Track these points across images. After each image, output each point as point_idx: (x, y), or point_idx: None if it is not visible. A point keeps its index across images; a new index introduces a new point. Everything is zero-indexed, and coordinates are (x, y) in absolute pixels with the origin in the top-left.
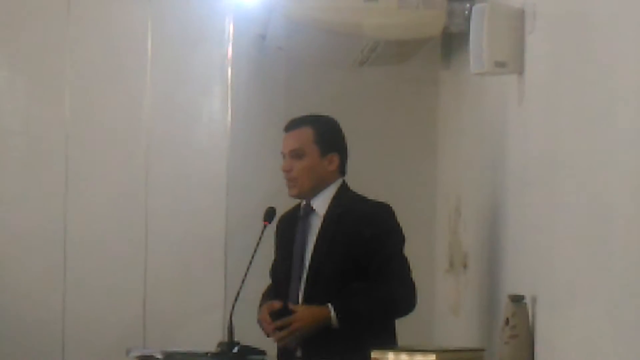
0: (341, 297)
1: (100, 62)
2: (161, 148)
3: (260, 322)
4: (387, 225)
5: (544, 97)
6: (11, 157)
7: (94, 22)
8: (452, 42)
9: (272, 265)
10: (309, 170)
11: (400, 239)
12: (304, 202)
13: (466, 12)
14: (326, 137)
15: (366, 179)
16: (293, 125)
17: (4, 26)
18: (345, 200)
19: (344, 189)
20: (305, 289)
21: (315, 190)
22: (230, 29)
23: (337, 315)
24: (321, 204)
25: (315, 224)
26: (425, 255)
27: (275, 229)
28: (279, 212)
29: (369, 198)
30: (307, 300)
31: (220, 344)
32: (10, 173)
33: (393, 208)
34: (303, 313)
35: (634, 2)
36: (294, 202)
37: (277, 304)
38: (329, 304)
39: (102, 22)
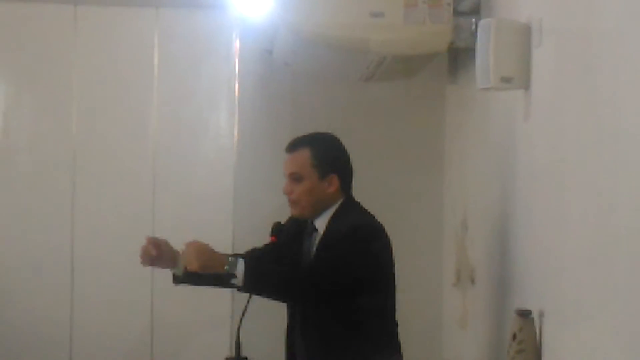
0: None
1: (107, 77)
2: (168, 163)
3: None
4: (354, 236)
5: (550, 112)
6: (19, 172)
7: (100, 38)
8: (458, 57)
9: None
10: (308, 193)
11: (356, 253)
12: (310, 220)
13: (472, 28)
14: (324, 159)
15: (373, 193)
16: (292, 147)
17: (11, 42)
18: (339, 219)
19: (344, 206)
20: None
21: (317, 210)
22: (237, 44)
23: (229, 261)
24: (322, 223)
25: (315, 243)
26: (432, 269)
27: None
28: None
29: (364, 214)
30: (304, 315)
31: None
32: (18, 188)
33: (376, 230)
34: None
35: (638, 17)
36: None
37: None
38: (229, 259)
39: (109, 38)
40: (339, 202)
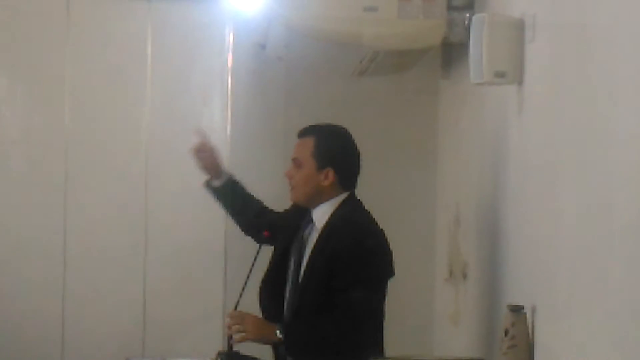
0: (293, 321)
1: (100, 70)
2: (161, 157)
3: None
4: (360, 251)
5: (544, 107)
6: (11, 164)
7: (94, 31)
8: (451, 52)
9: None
10: (304, 181)
11: (370, 270)
12: (309, 211)
13: (466, 22)
14: (324, 150)
15: (366, 188)
16: (301, 133)
17: (4, 33)
18: (341, 216)
19: (347, 203)
20: (294, 297)
21: (312, 201)
22: (230, 38)
23: (282, 338)
24: (320, 216)
25: (313, 237)
26: (424, 264)
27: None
28: None
29: (364, 217)
30: (295, 309)
31: (219, 353)
32: (10, 181)
33: (381, 235)
34: (253, 321)
35: (633, 12)
36: None
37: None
38: (278, 326)
39: (102, 31)
40: (340, 198)
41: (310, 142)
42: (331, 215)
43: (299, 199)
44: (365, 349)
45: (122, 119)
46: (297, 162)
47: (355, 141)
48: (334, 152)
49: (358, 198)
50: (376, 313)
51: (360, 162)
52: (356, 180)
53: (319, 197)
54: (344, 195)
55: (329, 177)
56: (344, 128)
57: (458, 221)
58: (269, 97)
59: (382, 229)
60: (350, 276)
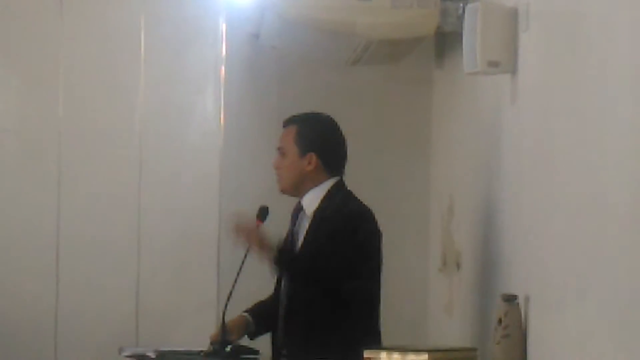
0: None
1: (94, 61)
2: (154, 147)
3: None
4: (358, 238)
5: (538, 96)
6: (4, 155)
7: (87, 21)
8: (445, 42)
9: None
10: (289, 169)
11: (357, 244)
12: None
13: (459, 12)
14: (306, 137)
15: (359, 178)
16: (285, 122)
17: None
18: (333, 202)
19: (336, 188)
20: (287, 285)
21: (299, 188)
22: (223, 28)
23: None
24: (310, 203)
25: (305, 224)
26: (418, 254)
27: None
28: (272, 211)
29: (358, 201)
30: (289, 296)
31: (213, 343)
32: (3, 171)
33: (371, 215)
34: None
35: (627, 1)
36: (286, 201)
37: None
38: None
39: (95, 21)
40: (328, 184)
41: (293, 130)
42: (321, 200)
43: (286, 188)
44: (365, 335)
45: (116, 109)
46: (281, 151)
47: (340, 127)
48: (316, 137)
49: (348, 187)
50: (378, 299)
51: (346, 148)
52: (343, 165)
53: (305, 183)
54: (332, 181)
55: (312, 161)
56: (327, 115)
57: (452, 211)
58: (263, 86)
59: (371, 210)
60: (349, 264)
